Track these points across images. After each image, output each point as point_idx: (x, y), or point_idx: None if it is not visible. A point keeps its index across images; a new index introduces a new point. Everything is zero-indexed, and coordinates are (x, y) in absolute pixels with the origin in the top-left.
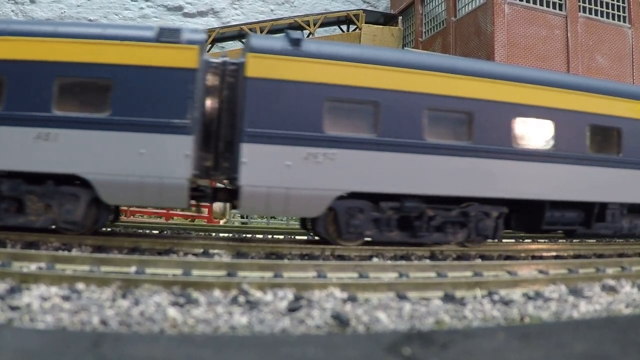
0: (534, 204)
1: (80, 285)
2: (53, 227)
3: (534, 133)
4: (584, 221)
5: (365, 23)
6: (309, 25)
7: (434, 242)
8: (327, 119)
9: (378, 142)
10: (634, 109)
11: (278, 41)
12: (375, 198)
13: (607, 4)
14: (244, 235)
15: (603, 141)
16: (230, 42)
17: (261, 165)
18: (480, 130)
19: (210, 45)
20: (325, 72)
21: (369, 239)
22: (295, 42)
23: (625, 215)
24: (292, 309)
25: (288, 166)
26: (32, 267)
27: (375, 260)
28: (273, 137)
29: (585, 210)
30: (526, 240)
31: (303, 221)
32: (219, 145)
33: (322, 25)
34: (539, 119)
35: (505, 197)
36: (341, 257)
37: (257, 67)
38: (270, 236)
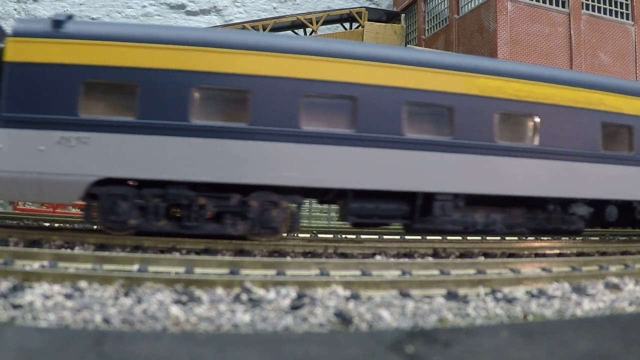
0: (344, 193)
1: (82, 284)
2: None
3: (328, 113)
4: (408, 214)
5: (368, 21)
6: (311, 23)
7: (208, 233)
8: (83, 101)
9: (136, 124)
10: (470, 83)
11: (40, 24)
12: (146, 185)
13: (610, 1)
14: None
15: (426, 121)
16: None
17: (15, 151)
18: (258, 110)
19: None
20: (83, 53)
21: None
22: (57, 24)
23: (461, 208)
24: (294, 307)
25: (41, 151)
26: (35, 265)
27: (378, 257)
28: (27, 121)
29: (410, 201)
30: (529, 238)
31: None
32: None
33: (325, 23)
34: (337, 96)
35: (290, 185)
36: (344, 255)
37: (16, 51)
38: None
